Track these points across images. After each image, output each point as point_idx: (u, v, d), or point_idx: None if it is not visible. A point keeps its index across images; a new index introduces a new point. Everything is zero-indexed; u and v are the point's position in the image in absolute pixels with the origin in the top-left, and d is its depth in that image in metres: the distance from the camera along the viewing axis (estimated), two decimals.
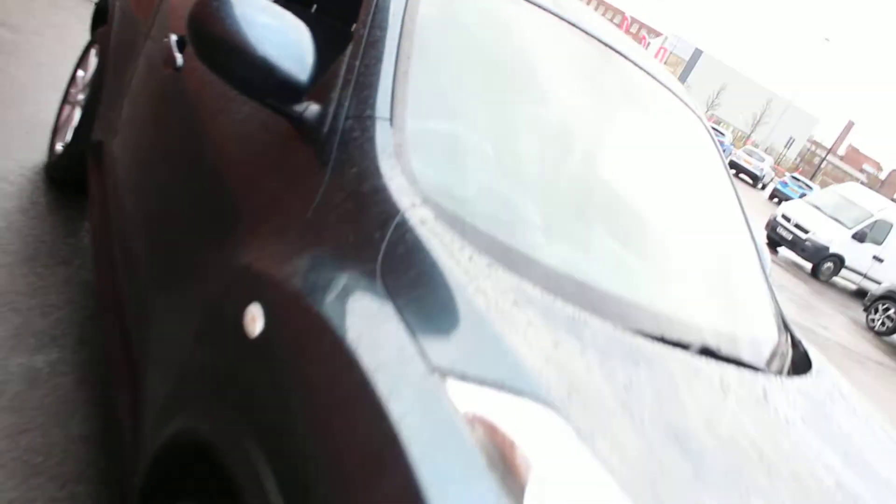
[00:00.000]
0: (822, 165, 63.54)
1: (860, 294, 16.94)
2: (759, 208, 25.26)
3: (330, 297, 1.17)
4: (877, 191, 25.19)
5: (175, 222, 1.82)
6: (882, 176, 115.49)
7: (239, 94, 1.60)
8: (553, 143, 1.87)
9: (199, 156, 1.82)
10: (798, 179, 34.04)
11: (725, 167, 2.42)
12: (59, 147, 3.24)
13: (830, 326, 12.32)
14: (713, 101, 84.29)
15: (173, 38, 2.09)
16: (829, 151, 62.80)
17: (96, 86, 3.01)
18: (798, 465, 1.39)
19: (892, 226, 17.45)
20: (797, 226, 17.19)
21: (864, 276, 17.59)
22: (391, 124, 1.46)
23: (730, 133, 42.61)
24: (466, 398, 1.00)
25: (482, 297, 1.18)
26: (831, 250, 16.96)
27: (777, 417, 1.52)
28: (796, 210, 17.82)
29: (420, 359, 1.04)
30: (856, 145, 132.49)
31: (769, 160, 40.09)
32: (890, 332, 14.16)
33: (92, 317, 2.59)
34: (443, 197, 1.39)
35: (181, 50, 2.04)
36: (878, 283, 16.57)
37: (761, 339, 1.95)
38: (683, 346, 1.53)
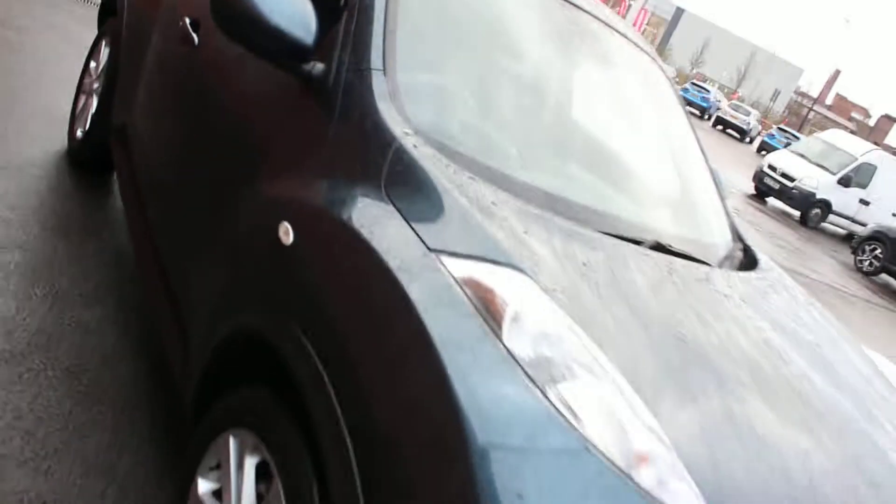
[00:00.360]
0: (810, 116, 63.78)
1: (850, 238, 17.30)
2: (747, 161, 25.56)
3: (347, 208, 1.49)
4: (866, 138, 25.47)
5: (202, 175, 2.13)
6: (871, 123, 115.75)
7: (254, 60, 1.91)
8: (519, 83, 2.18)
9: (220, 117, 2.13)
10: (785, 131, 34.35)
11: (679, 99, 2.74)
12: (79, 133, 3.53)
13: (819, 269, 12.68)
14: (697, 59, 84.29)
15: (187, 20, 2.39)
16: (815, 101, 63.07)
17: (111, 73, 3.29)
18: (730, 324, 1.71)
19: (875, 168, 17.78)
20: (783, 175, 17.50)
21: (852, 219, 17.95)
22: (384, 74, 1.77)
23: (715, 90, 42.78)
24: (456, 267, 1.33)
25: (465, 199, 1.50)
26: (818, 196, 17.30)
27: (716, 293, 1.85)
28: (782, 159, 18.12)
29: (420, 244, 1.37)
30: (843, 93, 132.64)
31: (755, 114, 40.33)
32: (878, 271, 14.54)
33: (128, 279, 2.91)
34: (430, 128, 1.71)
35: (196, 30, 2.35)
36: (866, 225, 16.92)
37: (710, 242, 2.28)
38: (638, 243, 1.86)
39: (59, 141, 3.71)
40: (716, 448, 1.30)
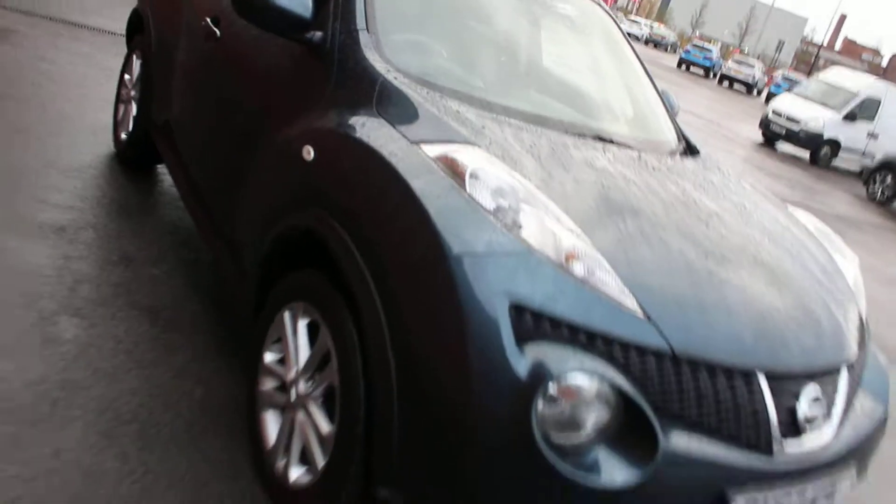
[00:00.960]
0: (819, 62, 63.38)
1: (863, 173, 17.48)
2: (755, 114, 25.72)
3: (350, 126, 2.03)
4: (881, 77, 25.41)
5: (236, 133, 2.67)
6: (883, 63, 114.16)
7: (266, 37, 2.44)
8: (477, 30, 2.73)
9: (245, 87, 2.67)
10: (790, 79, 34.35)
11: (624, 36, 3.25)
12: (123, 136, 4.11)
13: (831, 202, 12.97)
14: (697, 20, 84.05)
15: (208, 19, 2.94)
16: (820, 48, 62.73)
17: (145, 81, 3.86)
18: (653, 182, 2.22)
19: (880, 101, 17.96)
20: (789, 118, 17.70)
21: (863, 153, 18.11)
22: (368, 32, 2.30)
23: (717, 49, 42.83)
24: (430, 150, 1.85)
25: (436, 109, 2.03)
26: (825, 135, 17.49)
27: (646, 165, 2.35)
28: (786, 103, 18.32)
29: (404, 139, 1.90)
30: (851, 37, 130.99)
31: (760, 66, 40.27)
32: (890, 199, 14.76)
33: (184, 243, 3.48)
34: (406, 68, 2.25)
35: (216, 25, 2.90)
36: None
37: (652, 139, 2.78)
38: (581, 136, 2.37)
39: (106, 146, 4.30)
40: (631, 252, 1.81)
